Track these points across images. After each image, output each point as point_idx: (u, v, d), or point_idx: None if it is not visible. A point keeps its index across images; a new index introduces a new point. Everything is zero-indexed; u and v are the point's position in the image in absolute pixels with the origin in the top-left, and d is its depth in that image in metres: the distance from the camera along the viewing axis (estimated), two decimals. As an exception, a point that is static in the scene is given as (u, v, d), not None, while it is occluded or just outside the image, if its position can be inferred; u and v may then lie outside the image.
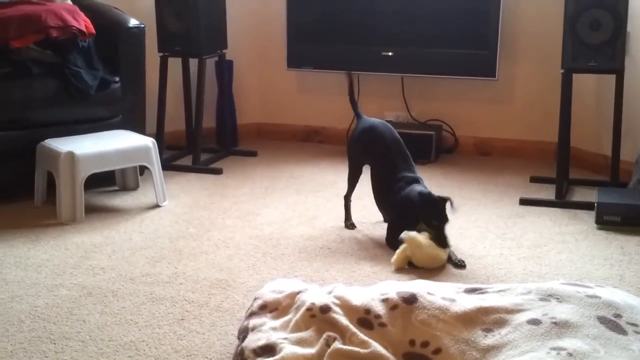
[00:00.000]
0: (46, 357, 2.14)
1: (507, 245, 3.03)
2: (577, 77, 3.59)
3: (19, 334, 2.27)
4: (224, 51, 4.39)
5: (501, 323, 1.93)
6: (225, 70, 4.48)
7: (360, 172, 3.22)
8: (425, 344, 1.90)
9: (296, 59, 4.55)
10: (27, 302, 2.49)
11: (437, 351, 1.88)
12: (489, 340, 1.88)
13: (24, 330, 2.29)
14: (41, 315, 2.39)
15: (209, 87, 4.41)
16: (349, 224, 3.23)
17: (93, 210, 3.40)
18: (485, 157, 4.45)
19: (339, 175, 3.98)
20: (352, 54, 4.43)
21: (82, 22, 3.58)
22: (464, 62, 4.26)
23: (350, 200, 3.26)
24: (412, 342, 1.92)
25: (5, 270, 2.74)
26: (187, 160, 4.23)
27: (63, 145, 3.33)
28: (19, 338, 2.24)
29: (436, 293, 2.06)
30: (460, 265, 2.80)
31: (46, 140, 3.41)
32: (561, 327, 1.85)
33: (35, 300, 2.50)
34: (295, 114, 4.84)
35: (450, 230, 2.85)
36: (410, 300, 2.00)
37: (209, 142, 4.50)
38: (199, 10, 4.02)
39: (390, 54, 4.35)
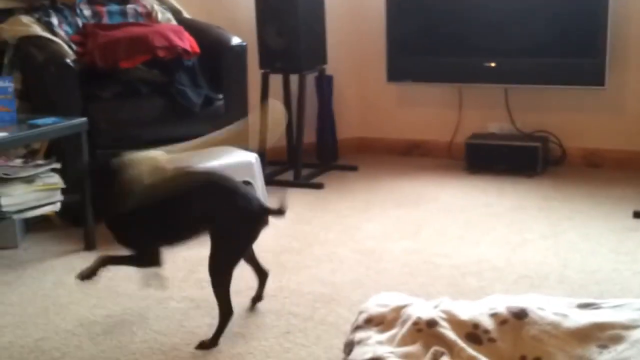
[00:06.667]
0: (157, 367, 2.20)
1: (621, 260, 2.91)
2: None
3: (131, 345, 2.33)
4: (324, 66, 4.42)
5: (617, 339, 1.84)
6: (325, 85, 4.51)
7: None
8: (537, 360, 1.84)
9: (396, 72, 4.52)
10: (138, 314, 2.56)
11: (550, 368, 1.81)
12: (605, 357, 1.80)
13: (136, 342, 2.35)
14: (152, 327, 2.45)
15: (309, 102, 4.44)
16: None
17: (199, 225, 3.47)
18: (595, 169, 4.29)
19: (441, 188, 3.93)
20: (453, 66, 4.37)
21: (187, 42, 3.68)
22: (570, 71, 4.13)
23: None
24: (523, 358, 1.85)
25: (116, 283, 2.83)
26: (288, 176, 4.26)
27: (170, 161, 3.41)
28: (132, 349, 2.31)
29: (547, 308, 1.98)
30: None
31: (154, 157, 3.50)
32: (683, 344, 1.75)
33: (146, 313, 2.56)
34: (396, 128, 4.81)
35: (560, 242, 2.73)
36: (521, 315, 1.94)
37: (309, 157, 4.53)
38: (300, 27, 4.06)
39: (492, 64, 4.27)
